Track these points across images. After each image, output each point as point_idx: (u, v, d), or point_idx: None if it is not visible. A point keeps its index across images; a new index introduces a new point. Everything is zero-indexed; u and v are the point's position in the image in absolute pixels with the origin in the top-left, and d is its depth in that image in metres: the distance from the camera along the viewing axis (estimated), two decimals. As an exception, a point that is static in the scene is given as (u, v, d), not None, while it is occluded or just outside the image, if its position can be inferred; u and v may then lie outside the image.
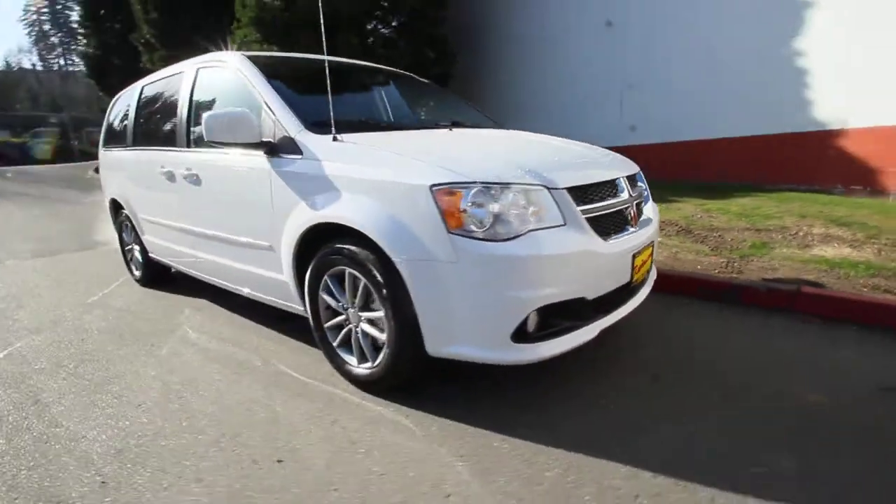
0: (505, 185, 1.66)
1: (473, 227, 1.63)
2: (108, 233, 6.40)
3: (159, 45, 9.48)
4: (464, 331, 1.68)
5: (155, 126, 3.25)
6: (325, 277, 2.06)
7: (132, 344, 2.73)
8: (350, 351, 2.10)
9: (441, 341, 1.73)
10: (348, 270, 1.95)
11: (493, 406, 1.89)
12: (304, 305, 2.24)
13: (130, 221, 3.76)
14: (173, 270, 3.79)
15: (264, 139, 2.16)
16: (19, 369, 2.48)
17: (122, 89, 4.13)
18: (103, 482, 1.57)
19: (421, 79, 3.54)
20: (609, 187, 1.98)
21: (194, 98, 2.78)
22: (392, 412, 1.89)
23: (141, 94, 3.49)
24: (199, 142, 2.73)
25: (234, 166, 2.37)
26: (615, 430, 1.70)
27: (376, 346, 1.99)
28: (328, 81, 1.98)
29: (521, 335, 1.65)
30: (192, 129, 2.78)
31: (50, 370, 2.44)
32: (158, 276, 3.84)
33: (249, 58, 2.48)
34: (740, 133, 5.24)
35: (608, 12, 6.66)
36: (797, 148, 4.85)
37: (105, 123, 4.21)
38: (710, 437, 1.64)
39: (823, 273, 3.12)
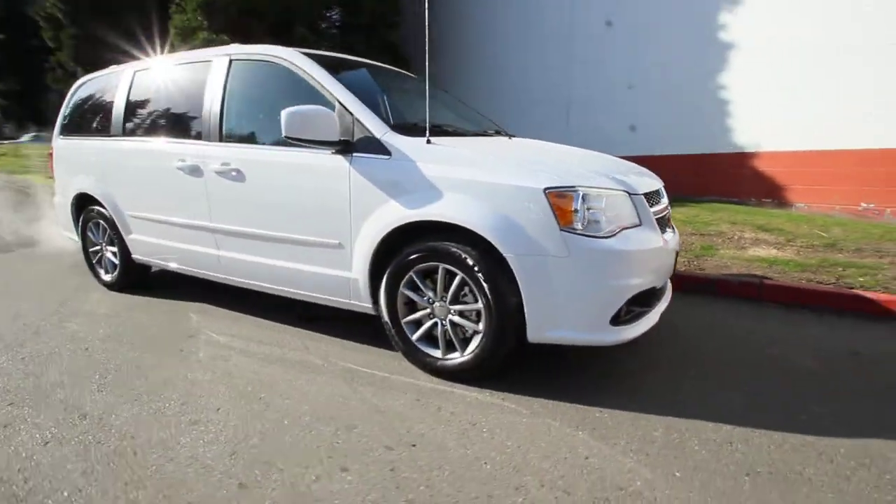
0: (602, 190, 1.92)
1: (579, 226, 1.86)
2: (21, 232, 5.58)
3: (69, 22, 8.31)
4: (567, 317, 1.90)
5: (163, 116, 3.01)
6: (410, 273, 2.15)
7: (155, 351, 2.52)
8: (430, 344, 2.21)
9: (543, 328, 1.93)
10: (442, 266, 2.06)
11: (571, 385, 2.12)
12: (376, 302, 2.30)
13: (106, 220, 3.39)
14: (153, 270, 3.51)
15: (342, 138, 2.19)
16: (30, 384, 2.19)
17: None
18: (241, 483, 1.53)
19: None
20: (657, 195, 2.34)
21: (228, 91, 2.66)
22: (488, 396, 2.04)
23: (133, 80, 3.19)
24: (236, 136, 2.63)
25: (298, 163, 2.35)
26: (685, 396, 2.03)
27: (465, 338, 2.13)
28: (427, 87, 2.09)
29: (615, 319, 1.92)
30: (225, 122, 2.65)
31: (73, 383, 2.19)
32: (137, 279, 3.52)
33: (309, 55, 2.46)
34: (677, 151, 6.09)
35: (560, 34, 7.30)
36: (721, 166, 5.78)
37: (66, 110, 3.74)
38: (759, 397, 2.03)
39: (766, 269, 3.82)
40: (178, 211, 2.91)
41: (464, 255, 1.99)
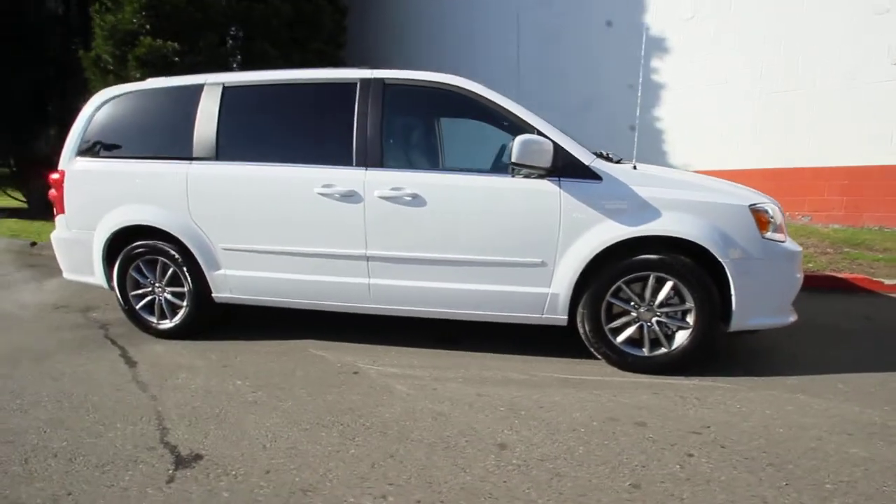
0: (773, 205, 2.46)
1: (769, 234, 2.37)
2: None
3: None
4: (762, 306, 2.38)
5: (286, 138, 2.78)
6: (619, 283, 2.42)
7: (340, 393, 2.34)
8: (631, 345, 2.49)
9: (745, 318, 2.38)
10: (654, 274, 2.38)
11: (740, 363, 2.60)
12: (576, 313, 2.50)
13: (172, 257, 2.89)
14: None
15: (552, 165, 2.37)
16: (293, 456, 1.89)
17: None
18: (633, 484, 1.64)
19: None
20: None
21: (386, 115, 2.60)
22: (700, 381, 2.39)
23: (223, 95, 2.82)
24: (407, 161, 2.62)
25: (503, 188, 2.45)
26: (814, 358, 2.65)
27: (667, 336, 2.47)
28: (637, 119, 2.39)
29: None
30: (388, 146, 2.59)
31: (309, 440, 1.95)
32: (203, 324, 3.07)
33: (485, 88, 2.57)
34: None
35: (501, 61, 8.03)
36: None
37: (89, 126, 3.06)
38: (855, 351, 2.75)
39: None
40: (313, 240, 2.68)
41: (677, 264, 2.34)
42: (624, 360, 2.50)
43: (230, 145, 2.81)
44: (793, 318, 2.49)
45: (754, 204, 2.37)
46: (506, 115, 2.50)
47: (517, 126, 2.47)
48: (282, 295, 2.86)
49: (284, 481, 1.69)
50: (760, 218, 2.35)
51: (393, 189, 2.54)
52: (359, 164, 2.61)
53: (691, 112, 6.75)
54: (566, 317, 2.53)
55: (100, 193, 3.03)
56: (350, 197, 2.59)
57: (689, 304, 2.38)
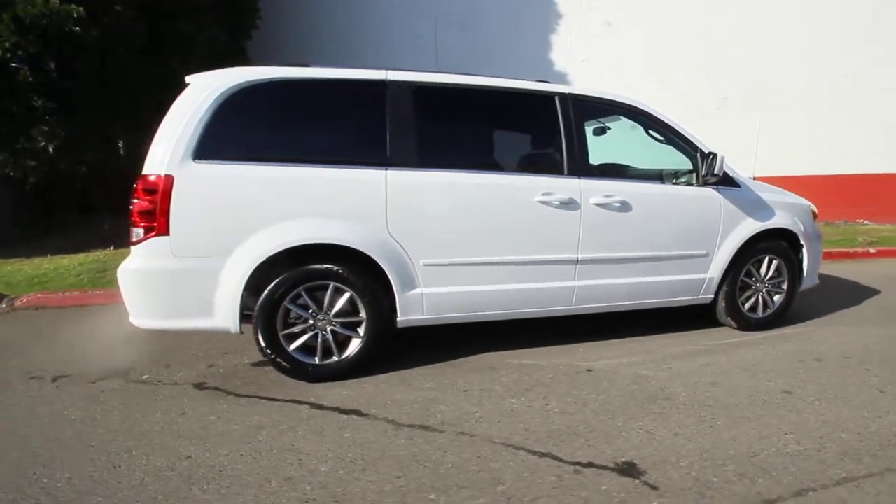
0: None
1: (816, 223, 3.52)
2: None
3: None
4: (811, 272, 3.50)
5: (485, 144, 2.69)
6: (749, 265, 3.23)
7: (634, 387, 2.50)
8: (749, 311, 3.33)
9: (807, 281, 3.46)
10: (768, 256, 3.27)
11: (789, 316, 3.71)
12: (717, 292, 3.20)
13: (349, 282, 2.46)
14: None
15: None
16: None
17: None
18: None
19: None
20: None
21: (585, 127, 2.83)
22: (784, 331, 3.36)
23: (416, 97, 2.52)
24: (608, 170, 2.88)
25: (687, 195, 2.98)
26: (850, 314, 3.97)
27: (771, 299, 3.38)
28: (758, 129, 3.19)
29: (815, 272, 3.70)
30: (591, 157, 2.82)
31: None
32: (377, 353, 2.70)
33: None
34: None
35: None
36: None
37: (217, 122, 2.30)
38: (824, 298, 4.20)
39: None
40: (528, 247, 2.71)
41: (781, 248, 3.28)
42: (748, 323, 3.32)
43: (433, 151, 2.57)
44: (818, 280, 3.73)
45: (812, 206, 3.50)
46: (671, 133, 3.04)
47: (680, 144, 3.04)
48: (480, 308, 2.74)
49: (735, 454, 1.88)
50: (814, 213, 3.50)
51: (605, 196, 2.79)
52: (571, 174, 2.76)
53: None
54: (713, 296, 3.21)
55: (244, 207, 2.34)
56: (568, 204, 2.72)
57: (785, 275, 3.35)
